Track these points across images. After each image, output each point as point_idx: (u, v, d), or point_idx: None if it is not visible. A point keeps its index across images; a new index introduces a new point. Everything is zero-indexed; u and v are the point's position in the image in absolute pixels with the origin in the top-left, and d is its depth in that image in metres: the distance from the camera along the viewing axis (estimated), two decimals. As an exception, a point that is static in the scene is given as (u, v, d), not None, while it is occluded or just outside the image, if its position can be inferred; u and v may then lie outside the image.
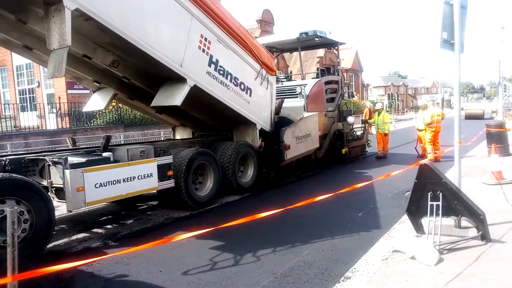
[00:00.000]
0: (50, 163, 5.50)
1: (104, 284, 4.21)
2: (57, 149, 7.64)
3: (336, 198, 6.01)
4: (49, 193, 5.56)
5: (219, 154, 8.14)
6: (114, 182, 5.74)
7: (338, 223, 6.15)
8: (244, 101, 8.41)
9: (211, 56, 7.40)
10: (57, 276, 4.23)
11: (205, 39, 7.26)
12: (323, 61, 36.34)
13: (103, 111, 18.30)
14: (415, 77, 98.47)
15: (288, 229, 5.90)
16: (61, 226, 6.52)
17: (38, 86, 21.07)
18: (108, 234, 6.03)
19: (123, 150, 6.34)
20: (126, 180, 5.90)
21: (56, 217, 5.31)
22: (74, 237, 5.91)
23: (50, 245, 5.49)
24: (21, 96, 22.26)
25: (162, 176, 6.55)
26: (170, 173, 6.69)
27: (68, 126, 18.64)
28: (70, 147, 7.20)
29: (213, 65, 7.47)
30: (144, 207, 7.72)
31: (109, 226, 6.50)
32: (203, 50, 7.25)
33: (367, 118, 14.40)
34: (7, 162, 5.39)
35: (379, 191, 8.25)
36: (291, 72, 27.49)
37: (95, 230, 6.30)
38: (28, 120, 20.27)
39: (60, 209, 6.38)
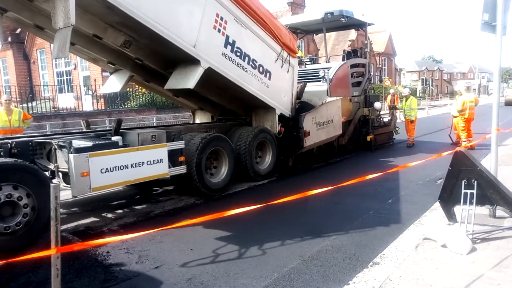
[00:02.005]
0: (56, 146, 5.25)
1: (138, 260, 4.27)
2: (68, 131, 7.40)
3: (364, 185, 5.83)
4: (55, 177, 5.36)
5: (235, 140, 7.69)
6: (122, 168, 5.42)
7: (367, 210, 5.89)
8: (262, 85, 7.87)
9: (227, 37, 6.89)
10: (94, 251, 4.40)
11: (221, 19, 6.74)
12: (355, 44, 34.75)
13: (137, 93, 18.49)
14: (451, 61, 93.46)
15: (315, 215, 5.74)
16: (97, 203, 6.59)
17: (74, 69, 21.29)
18: (142, 213, 6.05)
19: (134, 134, 6.01)
20: (134, 165, 5.57)
21: (88, 196, 5.60)
22: (109, 215, 5.98)
23: (88, 221, 5.72)
24: (59, 78, 22.63)
25: (173, 162, 6.20)
26: (182, 159, 6.31)
27: (103, 107, 18.90)
28: (84, 130, 6.95)
29: (229, 46, 6.96)
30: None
31: (143, 205, 6.50)
32: (219, 30, 6.74)
33: (392, 104, 13.47)
34: (13, 145, 5.16)
35: (410, 178, 7.83)
36: (316, 55, 26.42)
37: (128, 208, 6.31)
38: (66, 101, 20.62)
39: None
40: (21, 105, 17.31)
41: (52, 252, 3.00)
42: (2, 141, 5.21)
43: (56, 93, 21.80)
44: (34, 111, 17.00)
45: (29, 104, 17.69)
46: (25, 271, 3.99)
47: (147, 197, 6.99)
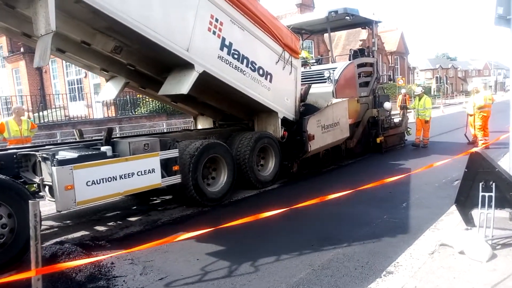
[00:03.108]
0: (40, 158, 4.94)
1: (142, 271, 4.13)
2: (57, 142, 7.14)
3: (377, 188, 5.51)
4: (41, 191, 5.06)
5: (235, 146, 7.29)
6: (110, 179, 5.06)
7: (380, 214, 5.59)
8: (263, 88, 7.45)
9: (223, 39, 6.50)
10: (98, 262, 4.20)
11: (216, 20, 6.36)
12: (366, 44, 34.00)
13: (147, 99, 18.36)
14: (466, 59, 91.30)
15: (324, 221, 5.47)
16: (103, 212, 6.48)
17: (85, 77, 21.27)
18: (149, 221, 5.88)
19: (125, 144, 5.67)
20: (123, 176, 5.21)
21: (97, 204, 5.74)
22: (116, 223, 5.84)
23: (93, 231, 5.59)
24: (70, 87, 22.66)
25: (166, 171, 5.84)
26: (176, 168, 5.94)
27: (113, 114, 18.86)
28: (77, 139, 6.66)
29: (225, 49, 6.57)
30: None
31: (150, 213, 6.32)
32: (214, 33, 6.36)
33: (403, 104, 12.84)
34: (-4, 158, 4.89)
35: (425, 180, 7.38)
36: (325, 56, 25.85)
37: (135, 217, 6.11)
38: (77, 109, 20.61)
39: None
40: (33, 114, 17.40)
41: (31, 274, 2.82)
42: (-17, 154, 4.93)
43: (68, 102, 21.83)
44: (45, 120, 17.02)
45: (41, 113, 17.72)
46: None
47: (154, 206, 6.75)
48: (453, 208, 4.87)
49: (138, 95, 17.89)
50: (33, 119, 15.30)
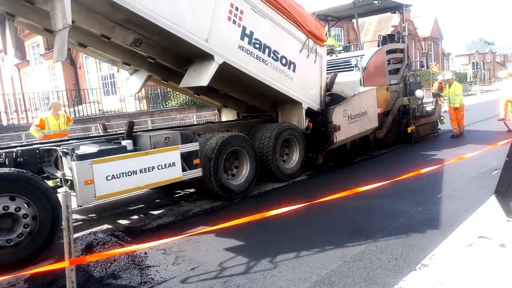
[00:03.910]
0: (61, 153, 4.92)
1: (175, 261, 4.13)
2: (81, 137, 7.17)
3: (410, 179, 5.24)
4: (63, 186, 5.05)
5: (258, 138, 7.06)
6: (129, 173, 4.98)
7: (414, 205, 5.36)
8: (286, 78, 7.16)
9: (244, 28, 6.25)
10: (132, 252, 4.20)
11: (236, 9, 6.11)
12: (398, 30, 32.66)
13: (177, 93, 18.45)
14: (505, 42, 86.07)
15: (356, 213, 5.27)
16: (137, 203, 6.53)
17: (117, 71, 21.61)
18: (181, 212, 5.89)
19: (146, 137, 5.59)
20: (143, 170, 5.12)
21: (128, 196, 5.95)
22: (149, 213, 5.91)
23: (127, 221, 5.65)
24: (103, 81, 23.13)
25: (187, 165, 5.71)
26: (197, 161, 5.79)
27: (146, 108, 19.13)
28: (101, 133, 6.66)
29: (246, 38, 6.32)
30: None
31: (181, 203, 6.35)
32: (234, 22, 6.12)
33: (439, 91, 12.08)
34: (19, 154, 4.90)
35: (461, 170, 7.03)
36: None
37: (168, 208, 6.16)
38: (110, 103, 21.03)
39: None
40: (69, 109, 17.90)
41: (65, 264, 2.85)
42: (7, 150, 4.96)
43: (101, 96, 22.31)
44: (80, 114, 17.46)
45: (76, 108, 18.19)
46: (41, 285, 3.76)
47: (184, 197, 6.76)
48: (492, 199, 4.60)
49: (168, 89, 18.03)
50: (69, 113, 15.70)
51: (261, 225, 4.76)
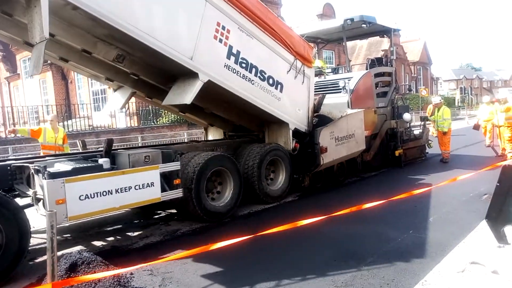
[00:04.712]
0: (33, 171, 4.66)
1: (161, 283, 4.01)
2: (55, 153, 6.90)
3: (401, 202, 5.45)
4: (34, 204, 4.76)
5: (243, 159, 6.86)
6: (104, 193, 4.72)
7: (405, 229, 5.29)
8: (273, 98, 7.01)
9: (230, 47, 6.12)
10: (116, 274, 4.00)
11: (223, 28, 5.99)
12: (388, 54, 33.12)
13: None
14: (491, 69, 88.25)
15: (346, 236, 5.16)
16: (124, 221, 6.37)
17: (109, 87, 21.40)
18: (169, 231, 5.73)
19: (125, 156, 5.35)
20: (119, 190, 4.85)
21: (115, 213, 5.56)
22: (136, 233, 5.72)
23: (112, 239, 5.54)
24: (94, 97, 22.90)
25: (167, 185, 5.45)
26: (177, 181, 5.54)
27: (136, 124, 18.89)
28: (80, 151, 6.41)
29: (232, 57, 6.18)
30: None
31: (170, 223, 6.17)
32: (220, 41, 5.99)
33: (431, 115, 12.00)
34: (-12, 170, 4.64)
35: (451, 194, 6.99)
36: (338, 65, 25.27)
37: (155, 226, 6.01)
38: (101, 119, 20.73)
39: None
40: (58, 124, 17.56)
41: (47, 287, 2.77)
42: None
43: (92, 111, 22.03)
44: (70, 129, 17.16)
45: (66, 122, 17.89)
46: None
47: (174, 215, 6.56)
48: (483, 223, 4.50)
49: (158, 105, 17.87)
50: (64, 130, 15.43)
51: (251, 247, 4.65)
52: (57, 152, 7.07)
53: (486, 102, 12.43)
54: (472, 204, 6.36)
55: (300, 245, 4.88)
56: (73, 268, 3.93)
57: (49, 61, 23.26)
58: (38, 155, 6.03)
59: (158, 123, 18.69)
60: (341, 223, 5.46)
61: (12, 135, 7.32)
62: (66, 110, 21.73)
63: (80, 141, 6.57)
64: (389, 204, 4.74)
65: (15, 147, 12.26)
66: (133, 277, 4.09)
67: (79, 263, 4.01)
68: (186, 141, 10.23)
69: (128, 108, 18.77)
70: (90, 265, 4.02)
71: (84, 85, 23.12)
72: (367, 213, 5.01)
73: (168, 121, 18.50)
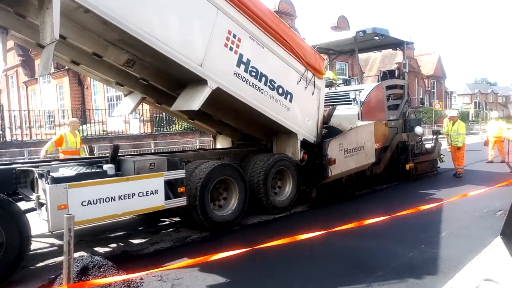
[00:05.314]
0: (37, 175, 4.60)
1: None
2: (62, 158, 6.87)
3: (412, 216, 5.35)
4: (37, 209, 4.70)
5: (250, 168, 6.73)
6: (107, 200, 4.63)
7: (417, 243, 5.16)
8: (282, 108, 6.89)
9: (240, 56, 6.04)
10: (126, 279, 4.03)
11: (234, 36, 5.92)
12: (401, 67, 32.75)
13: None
14: (506, 84, 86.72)
15: (356, 249, 5.02)
16: (133, 227, 6.37)
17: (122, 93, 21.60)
18: (179, 237, 5.73)
19: (130, 162, 5.27)
20: (123, 197, 4.75)
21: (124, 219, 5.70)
22: (147, 239, 5.71)
23: (122, 244, 5.53)
24: (109, 103, 23.12)
25: (172, 193, 5.34)
26: (182, 189, 5.42)
27: (149, 131, 18.99)
28: (87, 155, 6.36)
29: (243, 66, 6.10)
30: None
31: (180, 229, 6.15)
32: (231, 49, 5.92)
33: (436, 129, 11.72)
34: (-6, 173, 4.61)
35: (464, 209, 6.80)
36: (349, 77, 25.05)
37: (165, 232, 6.02)
38: (115, 124, 20.90)
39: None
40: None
41: None
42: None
43: (106, 117, 22.23)
44: (84, 134, 17.32)
45: (80, 127, 18.05)
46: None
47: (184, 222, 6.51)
48: (498, 240, 4.48)
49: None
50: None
51: (261, 257, 4.63)
52: (75, 156, 7.15)
53: (495, 118, 12.13)
54: (485, 220, 6.18)
55: (309, 256, 4.79)
56: (84, 272, 3.91)
57: (66, 67, 23.68)
58: (43, 159, 5.98)
59: (171, 130, 18.74)
60: (351, 236, 5.34)
61: (46, 154, 7.47)
62: (82, 115, 21.99)
63: (87, 147, 6.54)
64: (399, 218, 4.63)
65: (30, 149, 12.39)
66: (143, 282, 4.08)
67: (90, 266, 3.99)
68: (193, 149, 10.14)
69: (142, 114, 18.91)
70: (101, 269, 4.01)
71: (100, 91, 23.36)
72: (377, 227, 4.89)
73: (181, 128, 18.54)
